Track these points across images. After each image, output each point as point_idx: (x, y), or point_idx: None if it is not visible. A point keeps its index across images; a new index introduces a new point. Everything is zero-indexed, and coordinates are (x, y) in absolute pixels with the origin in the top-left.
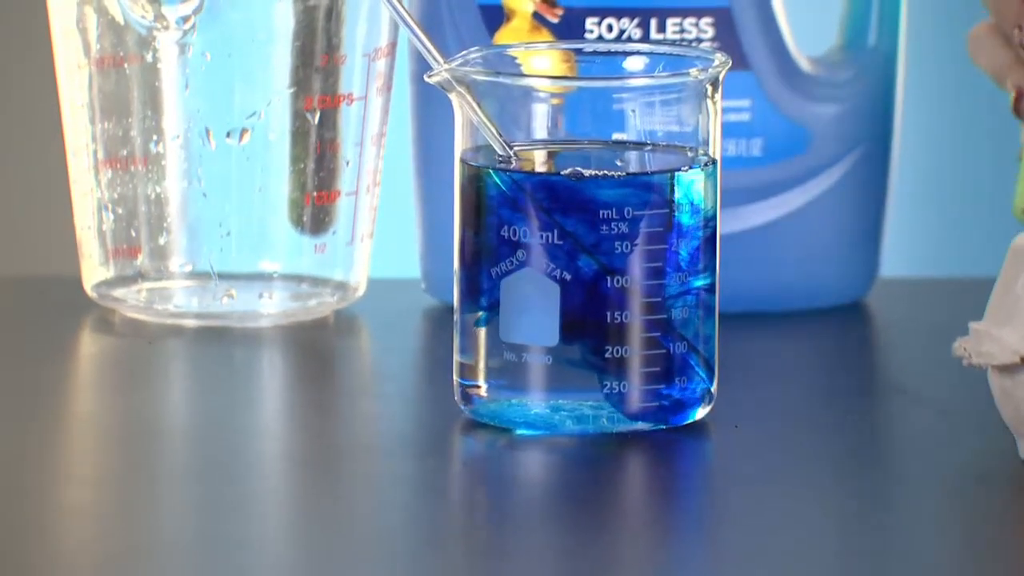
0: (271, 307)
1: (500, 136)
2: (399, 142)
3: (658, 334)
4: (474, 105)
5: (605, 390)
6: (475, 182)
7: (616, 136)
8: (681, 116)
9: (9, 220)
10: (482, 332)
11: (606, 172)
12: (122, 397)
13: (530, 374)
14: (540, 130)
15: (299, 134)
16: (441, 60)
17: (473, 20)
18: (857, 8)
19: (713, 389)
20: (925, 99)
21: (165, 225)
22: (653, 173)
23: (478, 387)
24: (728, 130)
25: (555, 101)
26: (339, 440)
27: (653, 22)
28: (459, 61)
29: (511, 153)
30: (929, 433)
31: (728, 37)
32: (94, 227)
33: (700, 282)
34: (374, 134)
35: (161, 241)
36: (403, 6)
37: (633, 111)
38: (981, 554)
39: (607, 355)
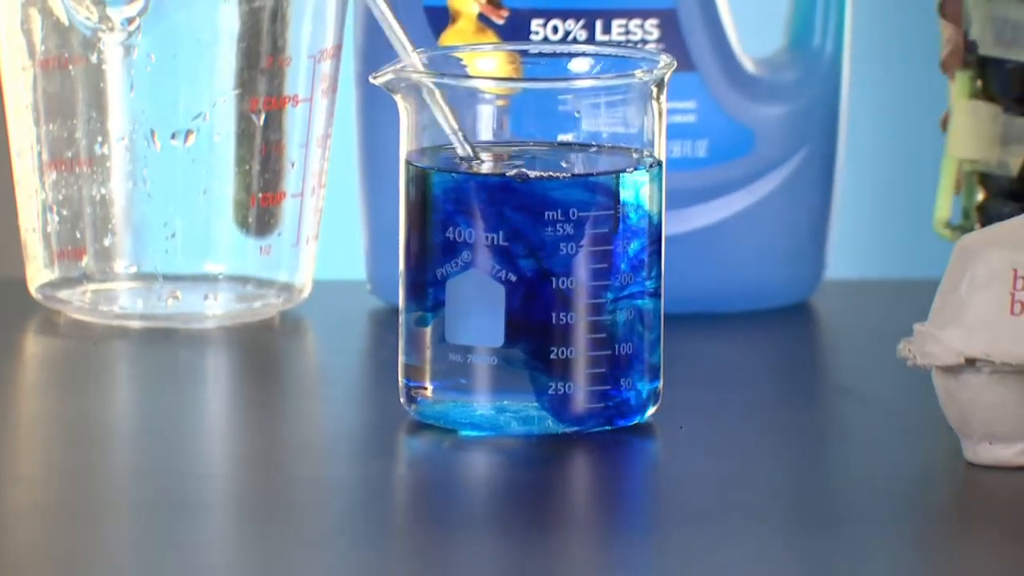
0: (216, 308)
1: (462, 136)
2: (344, 144)
3: (603, 335)
4: (442, 105)
5: (550, 391)
6: (420, 183)
7: (561, 137)
8: (626, 117)
9: None
10: (427, 333)
11: (551, 173)
12: (67, 398)
13: (475, 375)
14: (485, 131)
15: (244, 136)
16: (411, 49)
17: (418, 21)
18: (802, 10)
19: (659, 390)
20: (870, 100)
21: (110, 227)
22: (598, 174)
23: (423, 388)
24: (673, 131)
25: (500, 102)
26: (285, 441)
27: (598, 24)
28: (403, 62)
29: (472, 154)
30: (874, 434)
31: (673, 39)
32: (39, 229)
33: (646, 283)
34: (319, 136)
35: (106, 243)
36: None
37: (578, 112)
38: (927, 555)
39: (552, 356)
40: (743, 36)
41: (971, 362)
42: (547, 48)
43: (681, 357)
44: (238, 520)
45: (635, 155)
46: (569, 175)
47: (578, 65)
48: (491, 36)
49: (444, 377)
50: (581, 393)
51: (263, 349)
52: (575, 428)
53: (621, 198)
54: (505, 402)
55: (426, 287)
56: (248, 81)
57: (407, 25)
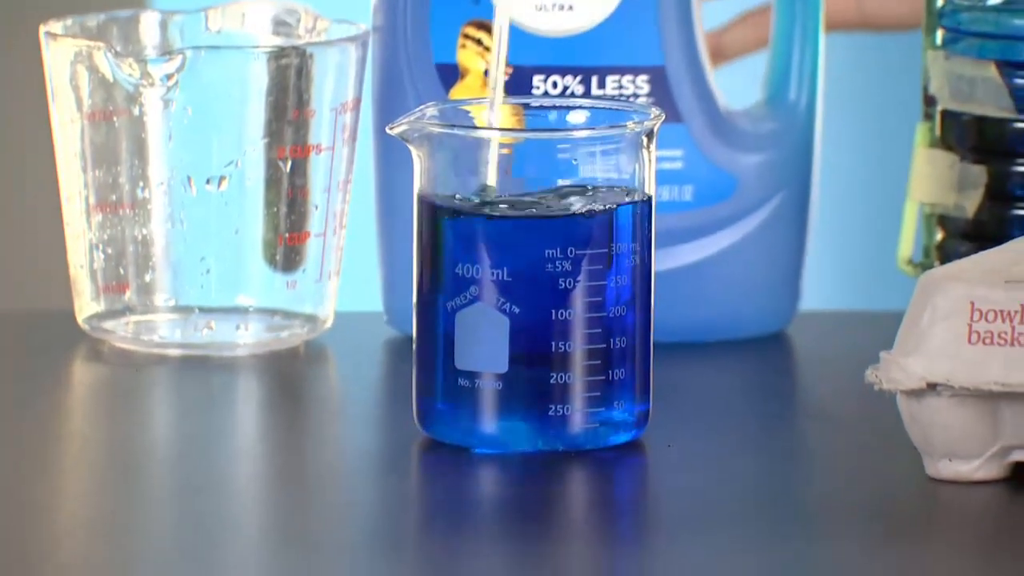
0: (247, 338)
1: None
2: (363, 187)
3: (598, 362)
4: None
5: (551, 413)
6: (432, 224)
7: (560, 182)
8: (619, 164)
9: (10, 260)
10: (439, 360)
11: (550, 214)
12: (112, 420)
13: (482, 398)
14: (491, 177)
15: (272, 181)
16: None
17: (430, 77)
18: (779, 66)
19: (648, 412)
20: (841, 149)
21: (151, 264)
22: (594, 216)
23: (435, 410)
24: (662, 177)
25: (505, 151)
26: (309, 459)
27: (594, 79)
28: (417, 115)
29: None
30: (844, 451)
31: (662, 93)
32: (86, 266)
33: (637, 315)
34: (341, 180)
35: (147, 278)
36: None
37: (576, 160)
38: (892, 560)
39: (552, 381)
40: (725, 90)
41: (932, 386)
42: (547, 101)
43: (669, 382)
44: (266, 534)
45: (627, 198)
46: (567, 216)
47: (576, 117)
48: None
49: (454, 400)
50: (579, 414)
51: (289, 375)
52: (574, 446)
53: (614, 237)
54: (509, 423)
55: (437, 318)
56: (276, 131)
57: (420, 81)
